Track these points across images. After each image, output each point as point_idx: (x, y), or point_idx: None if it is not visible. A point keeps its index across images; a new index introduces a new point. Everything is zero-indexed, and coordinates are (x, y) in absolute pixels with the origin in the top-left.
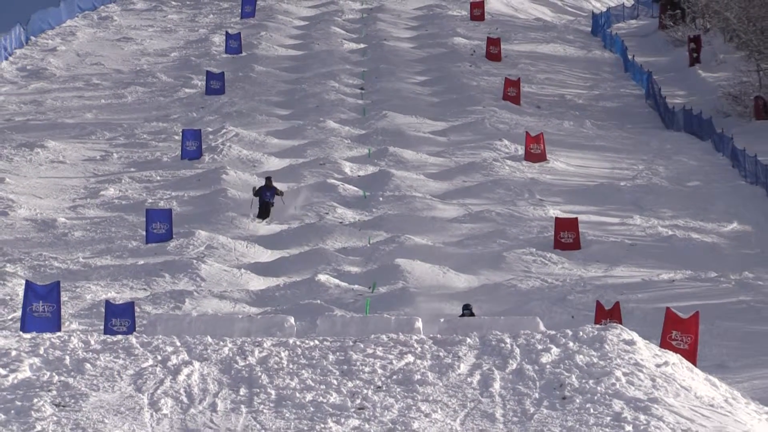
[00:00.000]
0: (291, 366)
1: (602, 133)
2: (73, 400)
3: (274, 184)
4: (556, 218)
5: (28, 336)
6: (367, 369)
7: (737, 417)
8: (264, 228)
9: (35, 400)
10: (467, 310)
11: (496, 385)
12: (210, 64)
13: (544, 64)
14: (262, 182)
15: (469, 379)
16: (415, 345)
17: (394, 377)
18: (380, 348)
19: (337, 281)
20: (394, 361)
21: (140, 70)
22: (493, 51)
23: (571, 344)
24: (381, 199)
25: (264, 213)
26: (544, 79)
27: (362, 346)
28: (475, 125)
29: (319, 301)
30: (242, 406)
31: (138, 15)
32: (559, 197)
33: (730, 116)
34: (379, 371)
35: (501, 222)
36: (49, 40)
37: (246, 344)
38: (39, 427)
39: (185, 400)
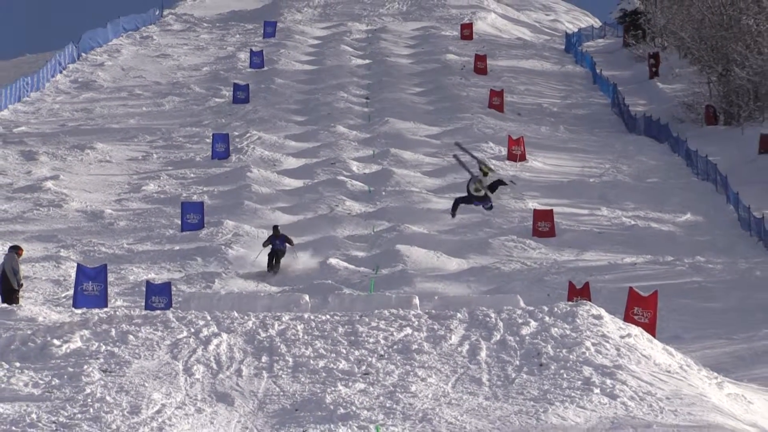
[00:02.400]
0: (306, 337)
1: (574, 136)
2: (117, 367)
3: (283, 233)
4: (534, 210)
5: (79, 311)
6: (371, 340)
7: (691, 381)
8: (283, 217)
9: (85, 366)
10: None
11: (483, 354)
12: (236, 77)
13: (524, 77)
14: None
15: (459, 349)
16: (413, 319)
17: (395, 347)
18: (383, 322)
19: (345, 264)
20: (394, 333)
21: (176, 82)
22: (480, 66)
23: (547, 318)
24: (383, 193)
25: (274, 262)
26: (524, 90)
27: (367, 320)
28: (464, 130)
29: (330, 281)
30: (264, 371)
31: (174, 35)
32: (537, 192)
33: (685, 122)
34: (382, 342)
35: (487, 213)
36: (98, 56)
37: (267, 318)
38: (88, 390)
39: (215, 366)
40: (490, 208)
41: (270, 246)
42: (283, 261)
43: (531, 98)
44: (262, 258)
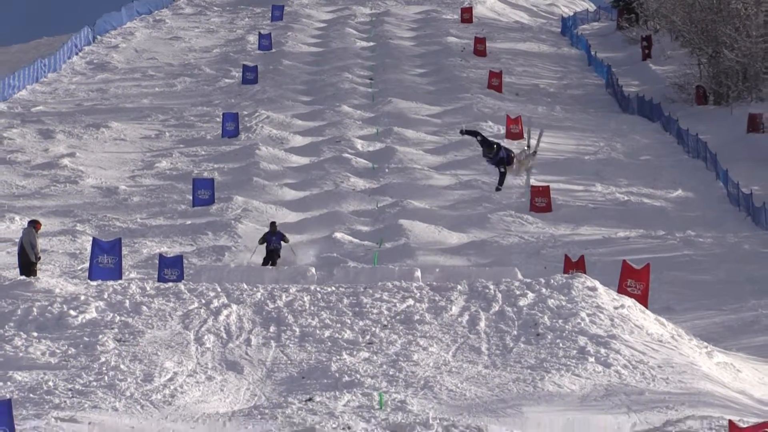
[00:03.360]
0: (312, 308)
1: (569, 116)
2: (131, 336)
3: (279, 230)
4: (532, 186)
5: (94, 283)
6: (375, 310)
7: (682, 351)
8: (291, 193)
9: (100, 336)
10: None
11: (482, 324)
12: (245, 58)
13: (522, 59)
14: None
15: (459, 319)
16: (415, 291)
17: (398, 317)
18: (386, 293)
19: (350, 238)
20: (397, 304)
21: (188, 63)
22: (479, 48)
23: (544, 290)
24: (387, 170)
25: (269, 261)
26: (522, 71)
27: (371, 291)
28: (464, 109)
29: (335, 255)
30: (272, 341)
31: (186, 18)
32: (534, 169)
33: (676, 102)
34: (385, 312)
35: (486, 189)
36: (112, 39)
37: (275, 290)
38: (103, 359)
39: (224, 336)
40: (498, 188)
41: (265, 244)
42: (280, 256)
43: (528, 79)
44: (257, 259)
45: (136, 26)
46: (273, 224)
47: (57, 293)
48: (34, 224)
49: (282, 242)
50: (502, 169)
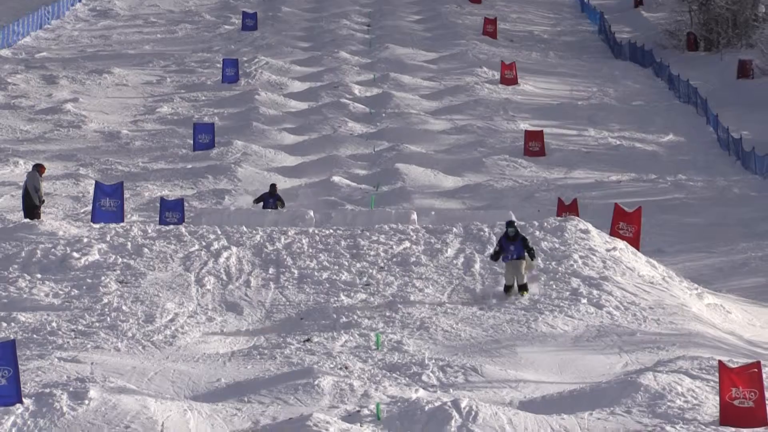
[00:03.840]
0: (310, 250)
1: (563, 62)
2: (133, 278)
3: (278, 193)
4: (526, 131)
5: (97, 226)
6: (372, 253)
7: (672, 292)
8: (289, 137)
9: (103, 278)
10: (512, 228)
11: (477, 266)
12: (245, 5)
13: (516, 5)
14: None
15: (454, 261)
16: (411, 233)
17: (394, 259)
18: (383, 236)
19: (348, 181)
20: (394, 247)
21: (188, 10)
22: None
23: (537, 233)
24: (384, 115)
25: None
26: (516, 18)
27: (368, 234)
28: (459, 55)
29: (333, 198)
30: (271, 282)
31: None
32: (528, 113)
33: (667, 48)
34: (382, 254)
35: (481, 134)
36: None
37: (274, 232)
38: (105, 300)
39: (224, 277)
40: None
41: (261, 203)
42: None
43: (522, 26)
44: None
45: None
46: (273, 186)
47: (60, 236)
48: (38, 168)
49: (277, 206)
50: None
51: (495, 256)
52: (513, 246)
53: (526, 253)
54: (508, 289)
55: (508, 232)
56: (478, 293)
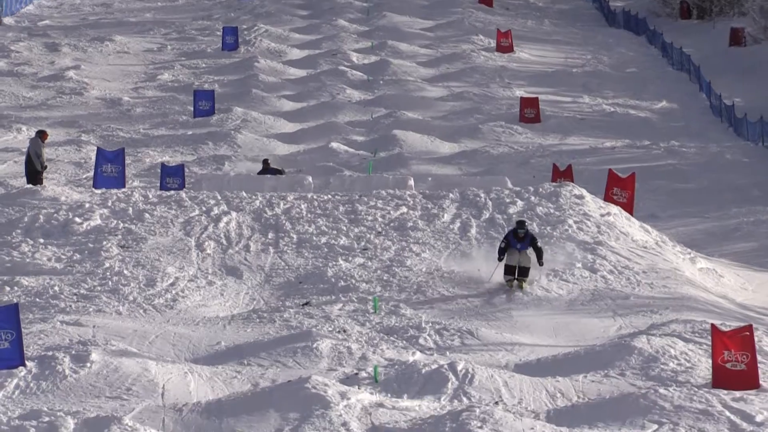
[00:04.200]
0: (309, 215)
1: (558, 29)
2: (134, 243)
3: (274, 166)
4: (521, 97)
5: (98, 192)
6: (369, 218)
7: (665, 257)
8: (288, 104)
9: (104, 242)
10: (522, 230)
11: (473, 231)
12: None
13: None
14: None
15: (451, 226)
16: (408, 199)
17: (392, 224)
18: (380, 201)
19: (346, 147)
20: (391, 212)
21: None
22: None
23: (532, 198)
24: (381, 82)
25: None
26: None
27: (366, 199)
28: (456, 23)
29: (331, 164)
30: (270, 247)
31: None
32: (523, 81)
33: (661, 16)
34: (380, 219)
35: (477, 100)
36: None
37: (273, 198)
38: (107, 264)
39: (224, 242)
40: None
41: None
42: None
43: None
44: None
45: None
46: (265, 162)
47: (63, 201)
48: (40, 134)
49: (278, 175)
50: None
51: (501, 252)
52: (520, 244)
53: (532, 249)
54: (509, 270)
55: (518, 232)
56: (475, 258)
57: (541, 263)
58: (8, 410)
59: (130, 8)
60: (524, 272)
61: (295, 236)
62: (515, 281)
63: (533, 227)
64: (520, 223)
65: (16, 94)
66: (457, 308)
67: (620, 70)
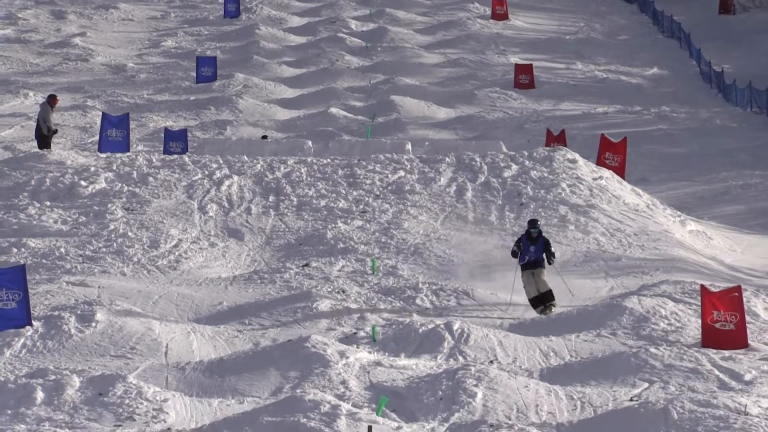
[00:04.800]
0: (309, 179)
1: None
2: (139, 205)
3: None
4: (516, 64)
5: (103, 156)
6: (368, 181)
7: (656, 219)
8: (288, 70)
9: (109, 205)
10: (535, 229)
11: (469, 194)
12: None
13: None
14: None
15: (447, 189)
16: (406, 163)
17: (389, 188)
18: (378, 165)
19: (345, 113)
20: (389, 175)
21: None
22: None
23: (527, 162)
24: (379, 49)
25: None
26: None
27: (364, 163)
28: None
29: (331, 128)
30: (271, 210)
31: None
32: (518, 48)
33: None
34: (378, 183)
35: (473, 67)
36: None
37: (274, 162)
38: (112, 227)
39: (226, 205)
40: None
41: None
42: None
43: None
44: None
45: None
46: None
47: (68, 165)
48: (50, 99)
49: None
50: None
51: (514, 255)
52: (534, 247)
53: (544, 258)
54: (535, 301)
55: (531, 232)
56: (470, 220)
57: (550, 263)
58: (15, 368)
59: None
60: (548, 296)
61: (295, 199)
62: (546, 308)
63: (527, 191)
64: (533, 222)
65: (24, 60)
66: (453, 269)
67: (612, 38)
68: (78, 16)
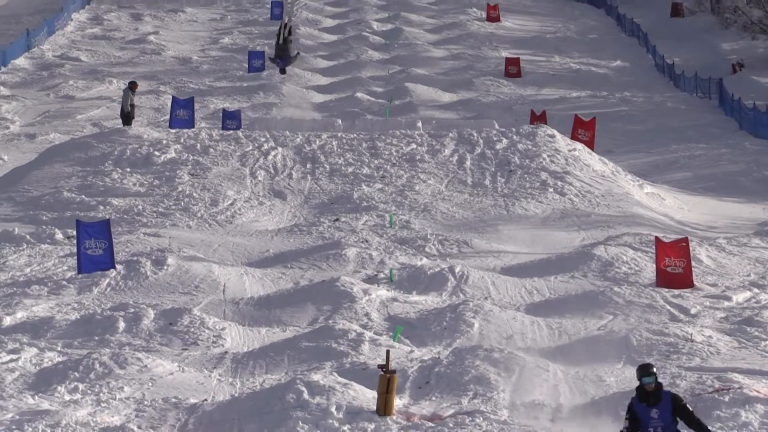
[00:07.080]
0: (339, 150)
1: (536, 3)
2: (201, 171)
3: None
4: (506, 57)
5: (173, 131)
6: (386, 152)
7: (619, 183)
8: (323, 63)
9: (178, 171)
10: (649, 378)
11: (468, 163)
12: None
13: None
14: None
15: (450, 159)
16: (417, 137)
17: (404, 157)
18: (395, 139)
19: (368, 97)
20: (403, 147)
21: None
22: None
23: (514, 137)
24: (396, 45)
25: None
26: None
27: (384, 137)
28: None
29: (357, 109)
30: (308, 175)
31: None
32: (508, 44)
33: None
34: (395, 153)
35: (471, 60)
36: None
37: (311, 136)
38: (180, 188)
39: (272, 171)
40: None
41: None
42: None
43: None
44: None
45: None
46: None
47: (145, 138)
48: (131, 85)
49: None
50: None
51: None
52: (655, 410)
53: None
54: None
55: (644, 385)
56: (469, 184)
57: None
58: (102, 303)
59: None
60: None
61: (327, 167)
62: None
63: (515, 160)
64: (645, 368)
65: (108, 53)
66: (456, 223)
67: (584, 36)
68: (152, 18)
